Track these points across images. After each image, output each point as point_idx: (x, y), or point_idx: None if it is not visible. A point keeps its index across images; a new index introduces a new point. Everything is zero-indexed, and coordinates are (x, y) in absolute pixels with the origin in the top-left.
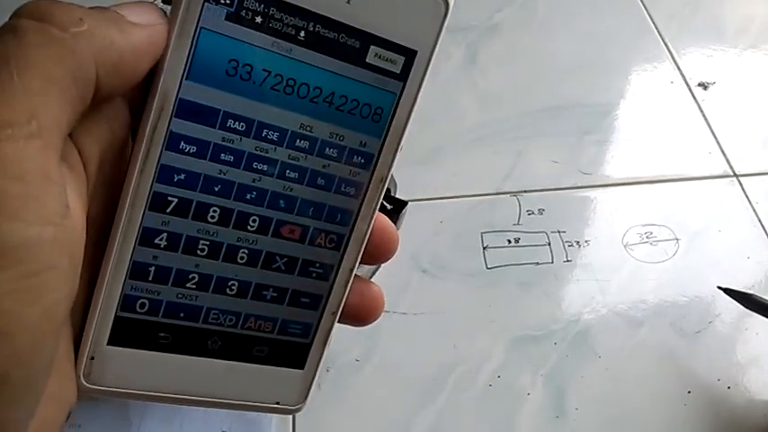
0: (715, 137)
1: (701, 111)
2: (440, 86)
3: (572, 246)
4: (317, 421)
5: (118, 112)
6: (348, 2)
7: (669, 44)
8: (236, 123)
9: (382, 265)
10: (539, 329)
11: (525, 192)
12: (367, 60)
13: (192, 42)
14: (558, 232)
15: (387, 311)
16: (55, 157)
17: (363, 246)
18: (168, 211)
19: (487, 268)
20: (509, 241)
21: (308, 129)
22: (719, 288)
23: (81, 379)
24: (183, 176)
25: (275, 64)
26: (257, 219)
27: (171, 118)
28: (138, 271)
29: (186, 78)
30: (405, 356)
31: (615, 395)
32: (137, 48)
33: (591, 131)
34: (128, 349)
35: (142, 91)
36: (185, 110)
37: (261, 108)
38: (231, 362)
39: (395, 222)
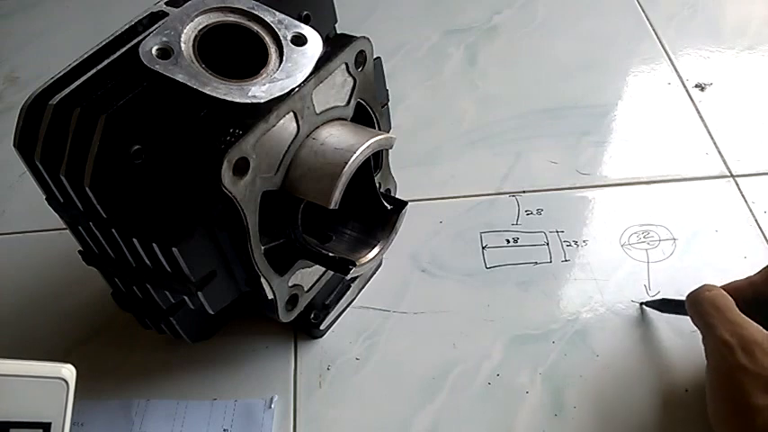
0: (712, 138)
1: (698, 112)
2: (439, 87)
3: (570, 245)
4: (318, 419)
5: None
6: None
7: (666, 46)
8: None
9: (383, 264)
10: (537, 328)
11: (524, 192)
12: None
13: None
14: (557, 232)
15: (387, 311)
16: None
17: None
18: None
19: (486, 268)
20: (508, 241)
21: None
22: (641, 304)
23: None
24: None
25: None
26: None
27: None
28: None
29: None
30: (405, 355)
31: (613, 394)
32: None
33: (589, 132)
34: None
35: None
36: None
37: None
38: None
39: (394, 223)
